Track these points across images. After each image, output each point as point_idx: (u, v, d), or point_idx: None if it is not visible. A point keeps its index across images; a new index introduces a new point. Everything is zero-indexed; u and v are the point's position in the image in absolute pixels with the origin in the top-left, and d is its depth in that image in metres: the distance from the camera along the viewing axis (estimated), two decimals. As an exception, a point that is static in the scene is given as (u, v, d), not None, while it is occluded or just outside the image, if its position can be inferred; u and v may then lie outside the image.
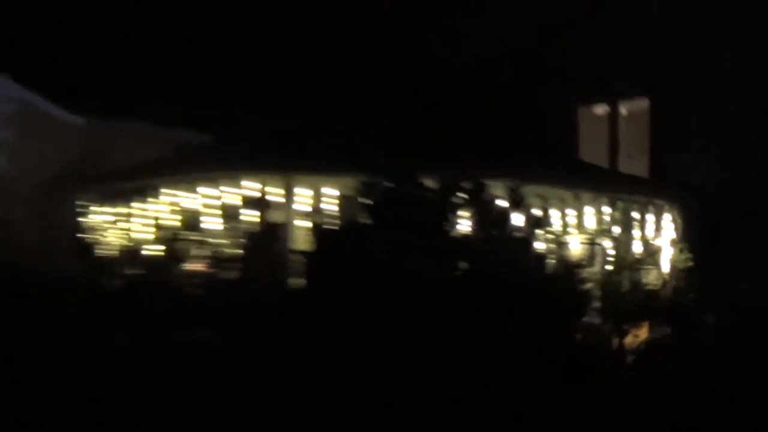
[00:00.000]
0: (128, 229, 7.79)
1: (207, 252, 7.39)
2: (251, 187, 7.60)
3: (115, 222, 7.77)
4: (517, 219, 6.36)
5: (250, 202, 7.76)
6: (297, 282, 5.79)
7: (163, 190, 7.69)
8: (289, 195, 7.64)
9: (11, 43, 7.81)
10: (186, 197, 7.70)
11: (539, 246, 6.72)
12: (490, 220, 6.32)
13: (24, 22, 7.84)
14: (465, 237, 6.04)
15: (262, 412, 4.95)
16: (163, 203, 7.80)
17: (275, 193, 7.69)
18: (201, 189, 7.80)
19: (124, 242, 7.52)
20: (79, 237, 7.29)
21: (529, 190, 7.02)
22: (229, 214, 7.66)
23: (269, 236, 7.52)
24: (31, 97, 9.08)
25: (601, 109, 10.23)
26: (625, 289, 6.81)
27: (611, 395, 5.81)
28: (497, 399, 5.25)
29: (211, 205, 7.79)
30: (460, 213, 5.84)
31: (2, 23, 7.91)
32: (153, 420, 4.89)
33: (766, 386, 5.63)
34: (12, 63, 8.13)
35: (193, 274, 7.16)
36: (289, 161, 7.33)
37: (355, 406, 4.94)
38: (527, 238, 6.44)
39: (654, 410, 5.52)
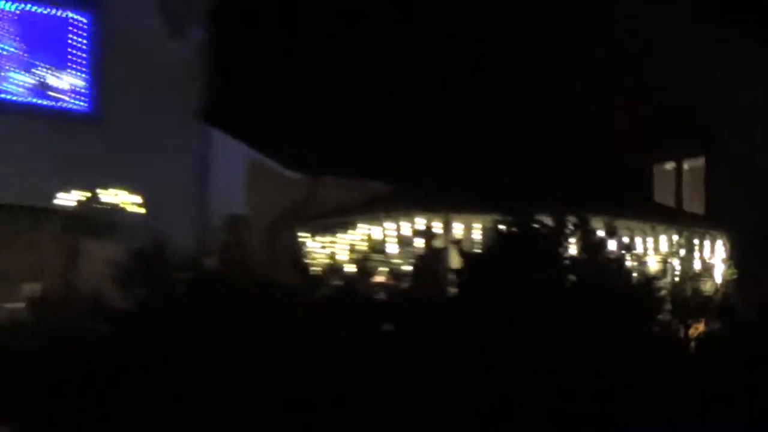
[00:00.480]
0: (332, 253, 10.24)
1: (388, 269, 9.61)
2: (420, 222, 10.11)
3: (323, 247, 9.94)
4: (612, 245, 8.04)
5: (419, 233, 10.16)
6: (452, 293, 7.44)
7: (357, 225, 9.83)
8: (447, 228, 10.05)
9: (249, 117, 10.03)
10: (373, 229, 9.86)
11: (628, 264, 8.43)
12: (594, 246, 8.00)
13: (257, 100, 10.12)
14: (575, 259, 7.53)
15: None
16: (357, 234, 9.80)
17: (437, 226, 10.13)
18: (384, 223, 10.35)
19: (330, 262, 9.70)
20: (298, 259, 9.34)
21: (621, 224, 9.05)
22: (404, 241, 10.12)
23: (433, 258, 9.64)
24: (262, 158, 11.74)
25: (669, 165, 12.98)
26: (689, 295, 8.64)
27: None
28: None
29: (390, 236, 10.33)
30: (571, 241, 7.42)
31: (242, 102, 10.12)
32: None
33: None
34: (250, 132, 10.43)
35: (379, 285, 9.25)
36: (445, 203, 9.90)
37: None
38: (620, 259, 8.16)
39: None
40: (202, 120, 10.95)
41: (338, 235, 9.94)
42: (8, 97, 10.42)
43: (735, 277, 9.27)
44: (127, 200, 10.10)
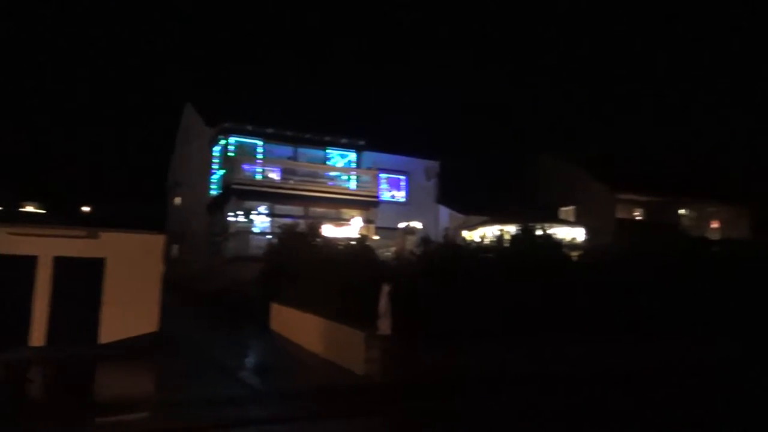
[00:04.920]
0: (472, 238, 28.56)
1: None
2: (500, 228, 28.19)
3: (470, 236, 28.48)
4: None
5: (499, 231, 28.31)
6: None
7: (479, 228, 28.57)
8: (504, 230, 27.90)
9: (450, 199, 29.91)
10: (483, 230, 28.44)
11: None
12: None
13: (452, 196, 29.88)
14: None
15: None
16: (480, 231, 28.50)
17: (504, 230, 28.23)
18: (485, 228, 28.56)
19: (472, 240, 28.02)
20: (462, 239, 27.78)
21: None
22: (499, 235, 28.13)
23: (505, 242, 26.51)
24: (452, 211, 30.79)
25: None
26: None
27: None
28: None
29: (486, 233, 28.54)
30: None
31: (446, 197, 30.11)
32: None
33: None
34: (449, 203, 30.21)
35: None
36: (502, 221, 27.57)
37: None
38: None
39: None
40: (436, 201, 30.72)
41: (473, 232, 28.60)
42: (385, 198, 29.95)
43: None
44: (417, 225, 30.07)
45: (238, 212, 24.08)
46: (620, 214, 26.30)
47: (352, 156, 27.73)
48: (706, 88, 73.12)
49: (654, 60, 78.33)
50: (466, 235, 25.77)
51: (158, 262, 14.64)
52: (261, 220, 25.27)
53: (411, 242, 21.26)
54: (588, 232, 24.03)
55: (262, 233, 24.43)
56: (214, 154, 26.37)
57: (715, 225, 28.78)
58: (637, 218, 26.99)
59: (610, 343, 12.82)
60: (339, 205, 25.45)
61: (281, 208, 24.81)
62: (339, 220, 25.61)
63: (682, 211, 28.08)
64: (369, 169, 26.91)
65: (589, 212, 26.36)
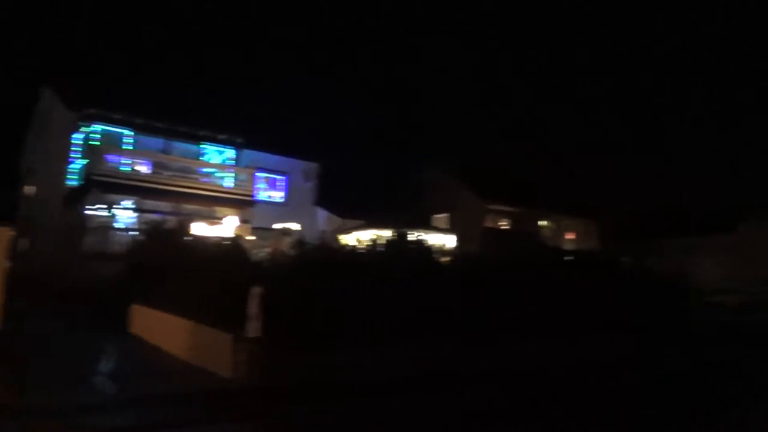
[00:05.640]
0: (347, 242, 28.77)
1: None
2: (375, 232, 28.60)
3: (346, 239, 28.83)
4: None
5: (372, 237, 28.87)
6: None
7: (353, 232, 29.00)
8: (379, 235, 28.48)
9: (328, 203, 29.87)
10: (357, 234, 28.86)
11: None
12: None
13: (330, 199, 29.84)
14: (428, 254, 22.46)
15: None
16: (354, 235, 28.94)
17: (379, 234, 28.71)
18: (360, 233, 29.00)
19: (347, 244, 28.46)
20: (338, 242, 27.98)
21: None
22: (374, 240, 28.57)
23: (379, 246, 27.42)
24: (330, 213, 30.98)
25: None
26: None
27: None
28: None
29: (364, 235, 29.03)
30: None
31: (324, 200, 30.04)
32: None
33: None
34: (327, 206, 30.27)
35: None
36: (377, 226, 28.29)
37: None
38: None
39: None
40: (315, 203, 30.81)
41: (350, 235, 29.02)
42: (262, 197, 30.14)
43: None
44: (294, 227, 29.89)
45: (99, 205, 22.51)
46: (490, 223, 27.96)
47: (230, 153, 27.05)
48: (582, 107, 79.70)
49: (541, 74, 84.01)
50: (343, 238, 25.94)
51: (2, 257, 13.30)
52: (126, 215, 23.78)
53: (287, 244, 21.07)
54: (459, 239, 25.31)
55: (127, 229, 23.00)
56: (74, 141, 24.42)
57: (570, 236, 31.45)
58: (504, 227, 28.83)
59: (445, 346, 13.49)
60: (213, 203, 24.72)
61: (150, 204, 23.55)
62: (212, 219, 24.80)
63: (543, 223, 30.33)
64: (246, 167, 26.41)
65: (462, 220, 27.89)
